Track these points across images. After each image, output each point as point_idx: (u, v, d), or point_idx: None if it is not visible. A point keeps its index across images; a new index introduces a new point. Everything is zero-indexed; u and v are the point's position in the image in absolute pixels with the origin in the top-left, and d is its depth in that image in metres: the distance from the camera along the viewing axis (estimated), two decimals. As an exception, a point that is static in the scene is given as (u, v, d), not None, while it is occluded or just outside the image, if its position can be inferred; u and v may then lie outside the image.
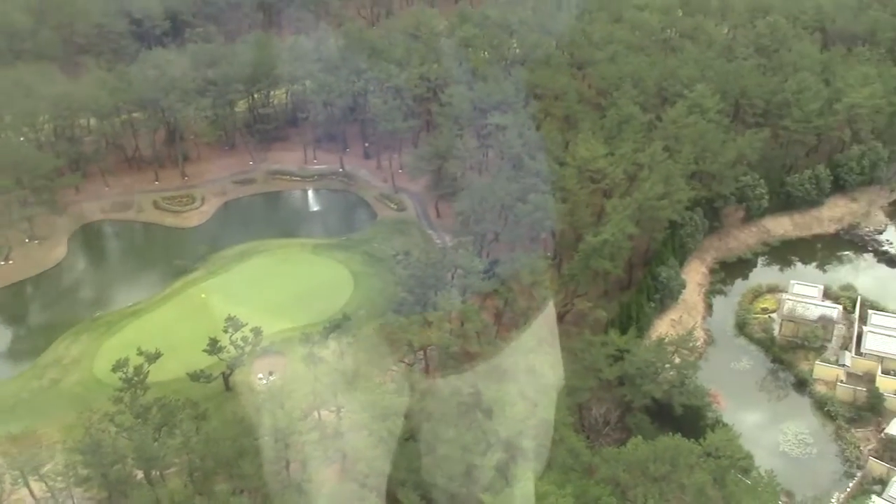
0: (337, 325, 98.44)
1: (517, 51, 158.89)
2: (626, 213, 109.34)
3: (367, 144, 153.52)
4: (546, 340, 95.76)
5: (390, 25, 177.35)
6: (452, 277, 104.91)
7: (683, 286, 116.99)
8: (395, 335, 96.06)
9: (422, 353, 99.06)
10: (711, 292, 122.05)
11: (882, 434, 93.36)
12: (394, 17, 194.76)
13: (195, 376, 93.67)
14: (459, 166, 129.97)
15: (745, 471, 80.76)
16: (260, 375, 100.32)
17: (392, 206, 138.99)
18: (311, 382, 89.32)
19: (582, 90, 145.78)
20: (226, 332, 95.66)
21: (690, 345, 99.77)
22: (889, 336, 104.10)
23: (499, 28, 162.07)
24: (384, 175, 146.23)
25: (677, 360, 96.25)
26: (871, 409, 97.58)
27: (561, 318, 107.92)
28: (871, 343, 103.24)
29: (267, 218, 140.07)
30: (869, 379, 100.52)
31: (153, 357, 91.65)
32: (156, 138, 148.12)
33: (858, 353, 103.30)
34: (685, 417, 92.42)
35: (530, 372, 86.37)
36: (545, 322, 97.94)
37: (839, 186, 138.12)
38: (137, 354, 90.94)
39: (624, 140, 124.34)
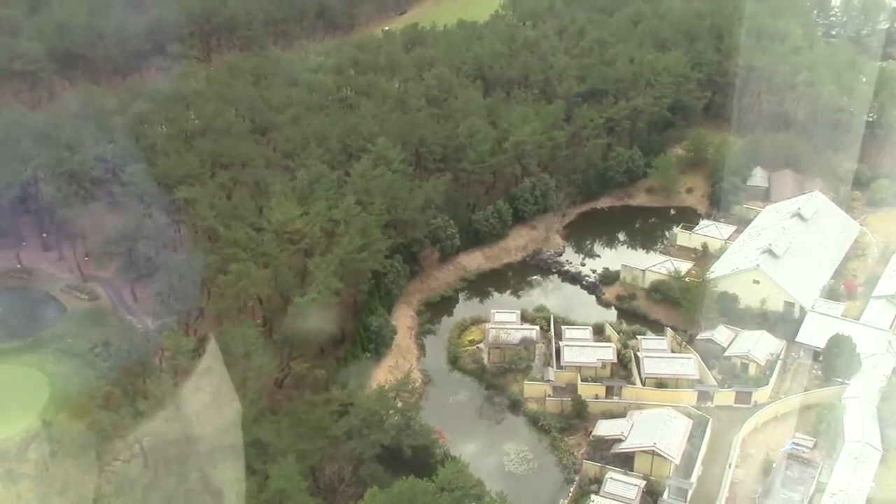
0: (36, 435, 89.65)
1: (196, 122, 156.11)
2: (330, 270, 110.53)
3: (45, 235, 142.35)
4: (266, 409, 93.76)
5: (55, 108, 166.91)
6: (161, 361, 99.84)
7: (395, 332, 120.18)
8: (105, 432, 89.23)
9: (139, 445, 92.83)
10: (422, 333, 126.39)
11: (590, 437, 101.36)
12: (58, 99, 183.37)
13: None
14: (151, 245, 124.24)
15: (479, 498, 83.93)
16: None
17: (82, 296, 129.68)
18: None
19: (269, 155, 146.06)
20: None
21: (410, 387, 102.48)
22: (582, 346, 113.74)
23: (173, 101, 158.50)
24: (69, 265, 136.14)
25: (400, 405, 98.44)
26: (577, 416, 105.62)
27: (280, 383, 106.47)
28: (568, 356, 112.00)
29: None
30: (572, 389, 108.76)
31: None
32: None
33: (559, 366, 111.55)
34: (415, 458, 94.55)
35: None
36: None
37: (519, 217, 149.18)
38: None
39: (317, 199, 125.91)
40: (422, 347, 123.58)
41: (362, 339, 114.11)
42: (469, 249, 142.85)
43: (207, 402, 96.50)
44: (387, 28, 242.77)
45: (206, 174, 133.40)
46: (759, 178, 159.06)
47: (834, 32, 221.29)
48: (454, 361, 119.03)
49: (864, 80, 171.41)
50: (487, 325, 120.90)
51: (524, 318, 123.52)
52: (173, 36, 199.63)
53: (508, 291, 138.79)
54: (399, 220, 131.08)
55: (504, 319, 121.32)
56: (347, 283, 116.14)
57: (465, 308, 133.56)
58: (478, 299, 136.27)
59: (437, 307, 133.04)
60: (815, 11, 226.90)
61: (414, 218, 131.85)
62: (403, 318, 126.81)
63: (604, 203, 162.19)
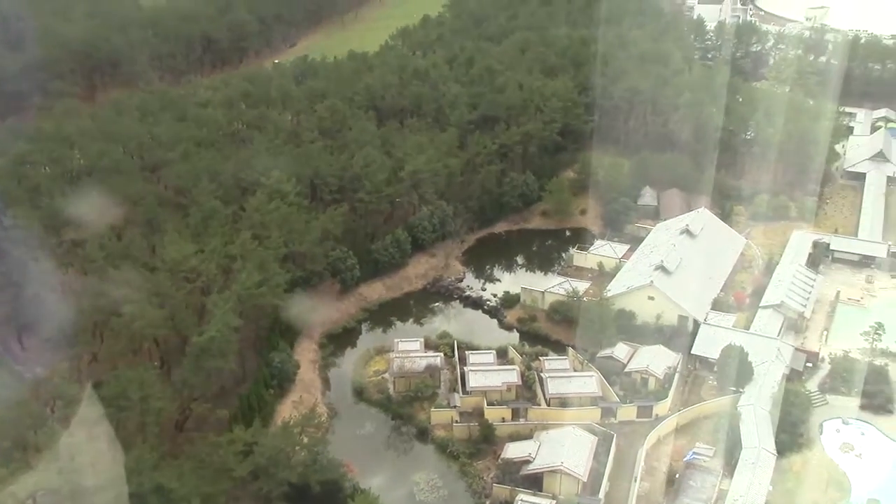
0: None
1: (82, 161, 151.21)
2: (228, 307, 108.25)
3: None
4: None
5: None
6: (52, 411, 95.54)
7: (298, 366, 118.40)
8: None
9: (31, 500, 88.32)
10: (325, 366, 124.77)
11: (499, 460, 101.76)
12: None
13: None
14: (38, 291, 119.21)
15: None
16: None
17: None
18: None
19: (160, 192, 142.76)
20: None
21: (315, 422, 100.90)
22: (486, 371, 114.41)
23: (56, 141, 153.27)
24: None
25: (306, 440, 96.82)
26: (485, 440, 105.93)
27: (180, 425, 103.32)
28: (473, 381, 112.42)
29: None
30: (478, 413, 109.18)
31: None
32: None
33: (465, 392, 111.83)
34: (324, 493, 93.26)
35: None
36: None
37: (418, 246, 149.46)
38: None
39: (212, 235, 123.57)
40: (326, 381, 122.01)
41: (264, 375, 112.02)
42: (369, 280, 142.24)
43: (102, 451, 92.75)
44: (277, 61, 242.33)
45: (94, 215, 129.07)
46: (648, 197, 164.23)
47: (710, 56, 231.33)
48: (360, 393, 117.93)
49: (740, 100, 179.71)
50: (392, 355, 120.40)
51: (428, 345, 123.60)
52: (54, 74, 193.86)
53: (411, 320, 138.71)
54: (297, 254, 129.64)
55: (408, 348, 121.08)
56: (247, 319, 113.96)
57: (369, 339, 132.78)
58: (381, 329, 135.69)
59: (340, 339, 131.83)
60: (692, 36, 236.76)
61: (312, 250, 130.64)
62: (306, 352, 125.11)
63: (501, 228, 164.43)
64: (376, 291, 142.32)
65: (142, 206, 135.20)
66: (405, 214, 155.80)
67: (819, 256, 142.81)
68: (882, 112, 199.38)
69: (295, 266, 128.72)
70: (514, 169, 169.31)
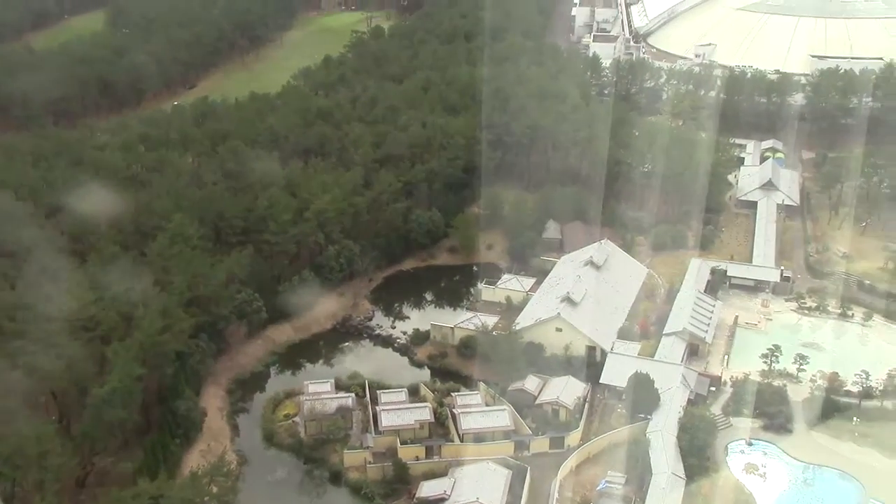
0: None
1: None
2: (130, 356, 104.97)
3: None
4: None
5: None
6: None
7: (205, 414, 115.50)
8: None
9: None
10: (234, 412, 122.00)
11: (414, 499, 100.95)
12: None
13: None
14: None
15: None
16: None
17: None
18: None
19: (56, 238, 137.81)
20: None
21: (225, 470, 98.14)
22: (399, 409, 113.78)
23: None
24: None
25: (215, 490, 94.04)
26: (400, 479, 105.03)
27: (82, 482, 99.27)
28: (385, 420, 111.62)
29: None
30: (392, 453, 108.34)
31: None
32: None
33: (378, 432, 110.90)
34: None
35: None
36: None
37: (326, 286, 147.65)
38: None
39: (112, 282, 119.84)
40: (235, 427, 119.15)
41: (170, 424, 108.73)
42: (277, 322, 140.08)
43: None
44: (176, 103, 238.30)
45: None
46: (552, 230, 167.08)
47: (606, 92, 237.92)
48: (270, 438, 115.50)
49: (637, 133, 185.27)
50: (302, 398, 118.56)
51: (339, 386, 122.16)
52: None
53: (321, 361, 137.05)
54: (202, 298, 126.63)
55: (318, 390, 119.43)
56: (150, 367, 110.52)
57: (278, 382, 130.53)
58: (290, 372, 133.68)
59: (249, 384, 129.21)
60: (589, 73, 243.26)
61: (217, 294, 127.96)
62: (213, 399, 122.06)
63: (408, 265, 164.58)
64: (284, 333, 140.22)
65: (37, 253, 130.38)
66: (311, 254, 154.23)
67: (717, 283, 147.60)
68: (769, 143, 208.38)
69: (200, 310, 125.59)
70: (420, 206, 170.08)
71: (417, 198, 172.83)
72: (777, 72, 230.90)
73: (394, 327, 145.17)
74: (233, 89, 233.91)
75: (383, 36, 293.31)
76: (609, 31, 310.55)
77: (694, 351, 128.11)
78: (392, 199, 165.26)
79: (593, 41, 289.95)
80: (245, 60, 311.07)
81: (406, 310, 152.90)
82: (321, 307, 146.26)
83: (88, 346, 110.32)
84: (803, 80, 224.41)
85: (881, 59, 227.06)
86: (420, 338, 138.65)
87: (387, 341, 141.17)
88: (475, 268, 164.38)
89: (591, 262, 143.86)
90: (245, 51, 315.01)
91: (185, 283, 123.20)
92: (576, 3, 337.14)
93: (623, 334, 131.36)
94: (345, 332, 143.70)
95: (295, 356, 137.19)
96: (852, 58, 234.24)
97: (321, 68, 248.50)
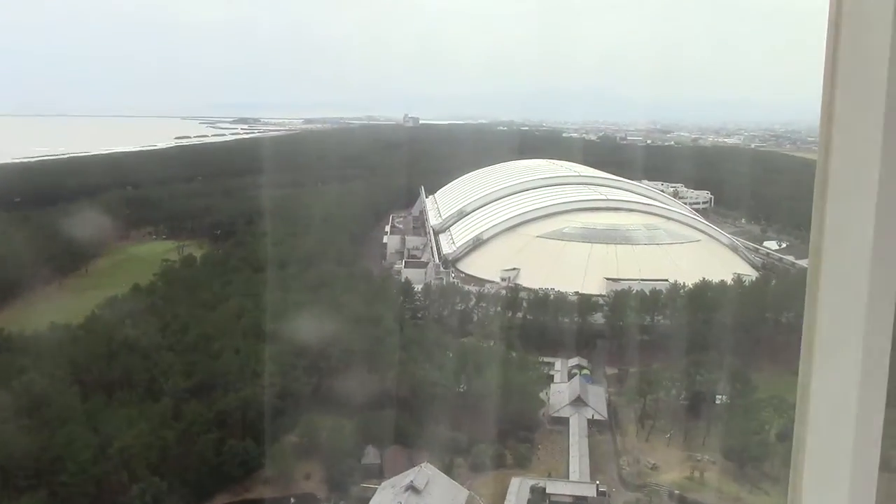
0: None
1: None
2: None
3: None
4: None
5: None
6: None
7: None
8: None
9: None
10: None
11: None
12: None
13: None
14: None
15: None
16: None
17: None
18: None
19: None
20: None
21: None
22: None
23: None
24: None
25: None
26: None
27: None
28: None
29: None
30: None
31: None
32: None
33: None
34: None
35: None
36: None
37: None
38: None
39: None
40: None
41: None
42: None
43: None
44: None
45: None
46: (371, 456, 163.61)
47: (420, 315, 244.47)
48: None
49: (451, 355, 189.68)
50: None
51: None
52: None
53: None
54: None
55: None
56: None
57: None
58: None
59: None
60: (402, 297, 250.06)
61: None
62: None
63: (221, 500, 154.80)
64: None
65: None
66: (114, 495, 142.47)
67: (537, 501, 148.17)
68: (575, 360, 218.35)
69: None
70: (234, 436, 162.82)
71: (231, 427, 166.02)
72: (577, 293, 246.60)
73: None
74: (31, 320, 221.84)
75: (195, 264, 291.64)
76: (420, 258, 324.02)
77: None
78: (203, 430, 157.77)
79: (405, 267, 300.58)
80: (47, 290, 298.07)
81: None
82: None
83: None
84: (601, 301, 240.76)
85: (666, 280, 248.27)
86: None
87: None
88: (293, 499, 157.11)
89: (412, 487, 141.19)
90: (48, 281, 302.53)
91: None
92: (387, 232, 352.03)
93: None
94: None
95: None
96: (642, 279, 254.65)
97: (129, 297, 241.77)
